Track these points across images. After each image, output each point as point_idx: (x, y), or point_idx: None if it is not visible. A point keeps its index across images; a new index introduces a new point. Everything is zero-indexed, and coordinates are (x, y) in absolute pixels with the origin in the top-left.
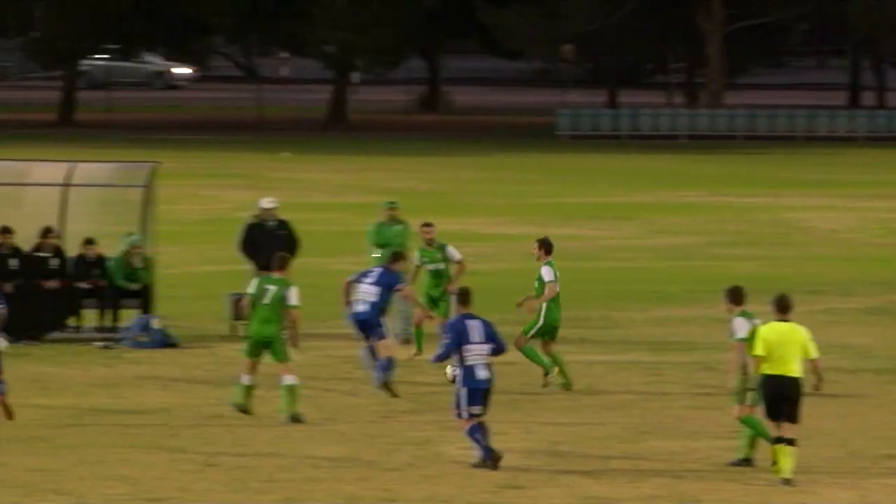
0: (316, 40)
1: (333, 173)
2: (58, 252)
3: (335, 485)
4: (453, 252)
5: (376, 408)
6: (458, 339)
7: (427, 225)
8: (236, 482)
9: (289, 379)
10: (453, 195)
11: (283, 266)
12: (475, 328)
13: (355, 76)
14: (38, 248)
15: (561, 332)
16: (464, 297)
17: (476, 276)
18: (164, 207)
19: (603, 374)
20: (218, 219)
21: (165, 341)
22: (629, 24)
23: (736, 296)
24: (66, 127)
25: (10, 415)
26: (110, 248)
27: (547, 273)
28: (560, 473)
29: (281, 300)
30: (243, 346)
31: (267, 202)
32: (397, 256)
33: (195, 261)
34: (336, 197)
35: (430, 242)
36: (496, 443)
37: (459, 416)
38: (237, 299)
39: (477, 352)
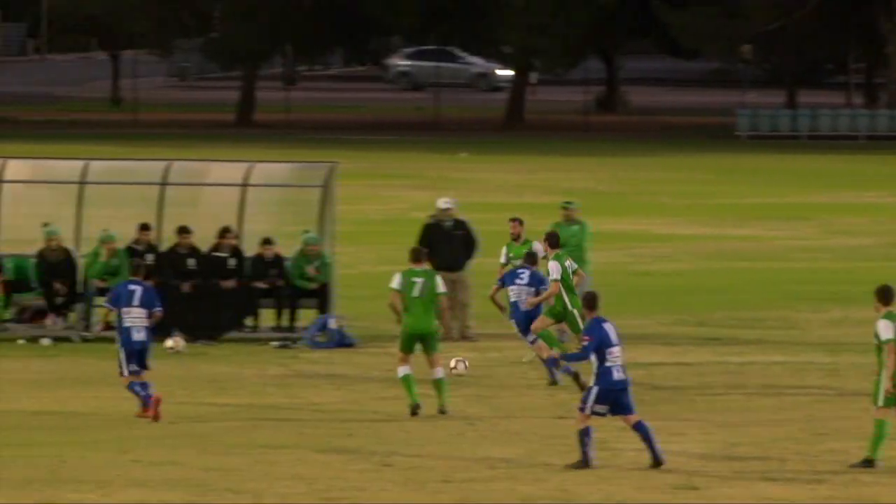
0: (494, 40)
1: (510, 173)
2: (236, 252)
3: (511, 485)
4: (539, 248)
5: (552, 408)
6: (600, 343)
7: (514, 220)
8: (411, 482)
9: (439, 372)
10: (630, 195)
11: (422, 259)
12: (612, 330)
13: (533, 76)
14: (216, 247)
15: (738, 333)
16: (591, 301)
17: (652, 276)
18: (342, 207)
19: (780, 375)
20: (396, 219)
21: (343, 341)
22: (808, 23)
23: (884, 295)
24: (244, 127)
25: (157, 416)
26: (288, 248)
27: (555, 269)
28: (736, 475)
29: (431, 290)
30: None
31: (444, 202)
32: (532, 258)
33: (373, 261)
34: (513, 197)
35: (516, 238)
36: (674, 444)
37: (583, 410)
38: None
39: (616, 353)
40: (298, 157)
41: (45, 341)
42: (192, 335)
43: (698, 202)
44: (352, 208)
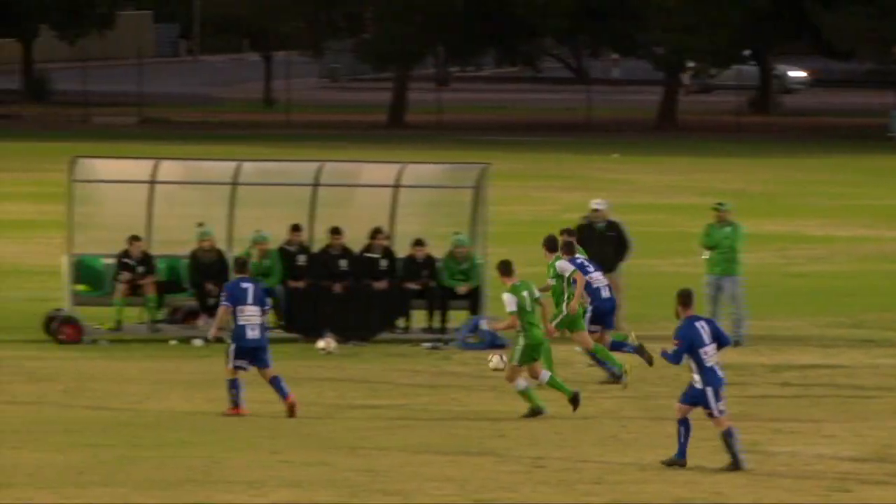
0: (647, 41)
1: (662, 174)
2: (387, 253)
3: (663, 487)
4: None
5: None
6: (691, 344)
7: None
8: (563, 484)
9: (545, 376)
10: (784, 197)
11: (512, 272)
12: (705, 329)
13: (685, 78)
14: (367, 248)
15: (893, 335)
16: (686, 298)
17: (807, 278)
18: (494, 208)
19: None
20: (547, 220)
21: (494, 342)
22: None
23: None
24: (396, 128)
25: (292, 411)
26: (439, 250)
27: (564, 267)
28: (890, 477)
29: (535, 300)
30: (517, 354)
31: (597, 203)
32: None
33: (524, 262)
34: (665, 198)
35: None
36: (825, 446)
37: (719, 414)
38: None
39: (711, 353)
40: (450, 158)
41: (198, 342)
42: (344, 336)
43: (851, 203)
44: (503, 209)
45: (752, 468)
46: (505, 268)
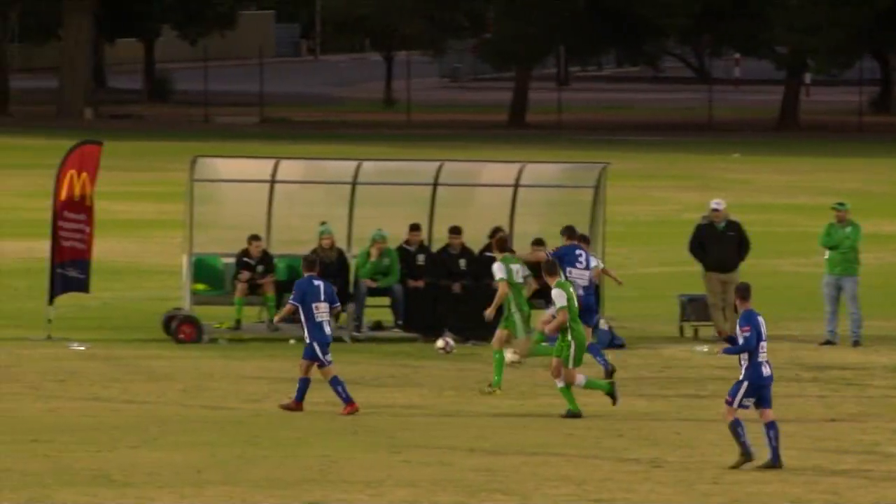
0: (769, 41)
1: (782, 174)
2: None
3: (782, 487)
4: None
5: (823, 410)
6: (758, 335)
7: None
8: (681, 484)
9: (582, 379)
10: None
11: (558, 271)
12: (763, 324)
13: (807, 77)
14: (487, 248)
15: None
16: (745, 292)
17: None
18: (613, 208)
19: None
20: (667, 220)
21: (613, 342)
22: None
23: None
24: (516, 128)
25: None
26: None
27: (499, 270)
28: None
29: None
30: (570, 353)
31: (716, 203)
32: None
33: (644, 262)
34: (785, 198)
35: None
36: None
37: (731, 403)
38: (689, 300)
39: (765, 348)
40: (569, 157)
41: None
42: (463, 336)
43: None
44: (622, 209)
45: (870, 469)
46: (552, 268)
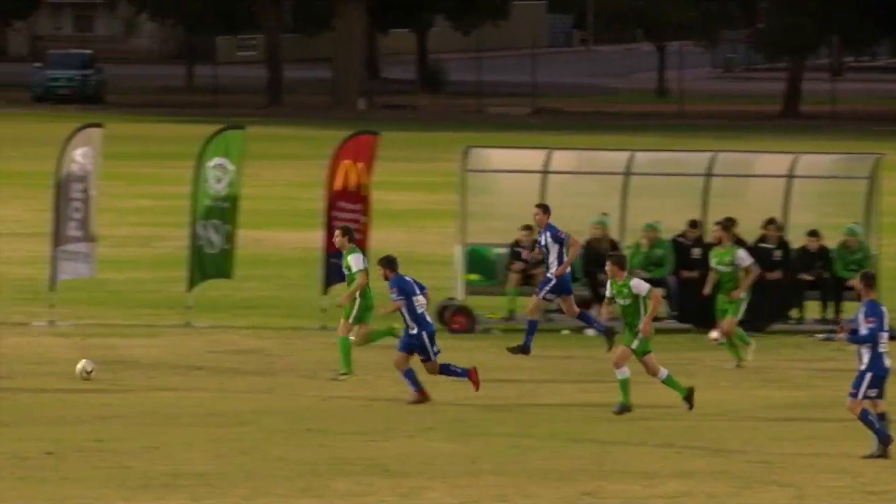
0: None
1: None
2: (781, 243)
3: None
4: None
5: None
6: (881, 324)
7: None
8: None
9: (664, 373)
10: None
11: (626, 265)
12: (886, 315)
13: None
14: (761, 239)
15: None
16: (870, 281)
17: None
18: (888, 199)
19: None
20: None
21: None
22: None
23: None
24: (790, 118)
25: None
26: (833, 240)
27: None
28: None
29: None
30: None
31: None
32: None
33: None
34: None
35: (719, 241)
36: None
37: (855, 396)
38: None
39: (886, 339)
40: (844, 148)
41: (590, 332)
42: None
43: None
44: None
45: None
46: (622, 261)
